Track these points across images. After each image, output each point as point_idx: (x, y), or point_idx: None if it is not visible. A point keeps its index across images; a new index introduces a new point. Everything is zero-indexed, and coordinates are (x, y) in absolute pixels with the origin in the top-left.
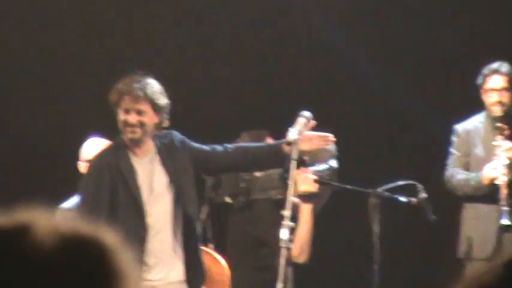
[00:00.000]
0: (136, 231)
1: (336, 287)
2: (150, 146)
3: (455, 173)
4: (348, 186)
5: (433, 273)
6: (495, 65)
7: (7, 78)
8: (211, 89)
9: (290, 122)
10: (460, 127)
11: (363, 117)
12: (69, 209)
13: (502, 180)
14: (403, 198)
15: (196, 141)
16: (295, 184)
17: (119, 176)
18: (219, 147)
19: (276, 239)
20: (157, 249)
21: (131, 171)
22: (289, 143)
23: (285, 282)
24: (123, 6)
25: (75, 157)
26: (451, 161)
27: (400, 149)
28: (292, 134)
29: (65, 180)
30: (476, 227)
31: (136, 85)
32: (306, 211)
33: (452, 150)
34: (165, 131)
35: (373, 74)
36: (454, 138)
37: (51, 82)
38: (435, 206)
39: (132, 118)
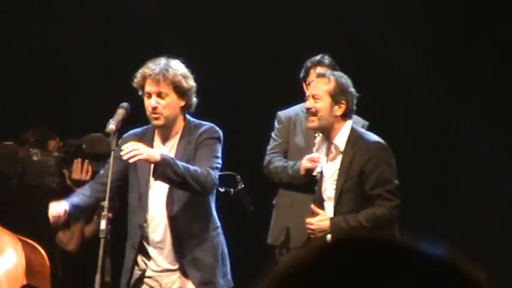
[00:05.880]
0: (137, 220)
1: None
2: (177, 131)
3: (274, 160)
4: None
5: (246, 261)
6: (318, 57)
7: None
8: None
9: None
10: (283, 114)
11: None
12: None
13: (317, 172)
14: (221, 189)
15: None
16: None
17: (133, 163)
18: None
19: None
20: (155, 240)
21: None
22: (107, 134)
23: (102, 273)
24: None
25: None
26: (271, 146)
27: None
28: (111, 125)
29: None
30: (292, 215)
31: (157, 68)
32: None
33: (273, 135)
34: (207, 123)
35: None
36: (276, 125)
37: None
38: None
39: (154, 101)
